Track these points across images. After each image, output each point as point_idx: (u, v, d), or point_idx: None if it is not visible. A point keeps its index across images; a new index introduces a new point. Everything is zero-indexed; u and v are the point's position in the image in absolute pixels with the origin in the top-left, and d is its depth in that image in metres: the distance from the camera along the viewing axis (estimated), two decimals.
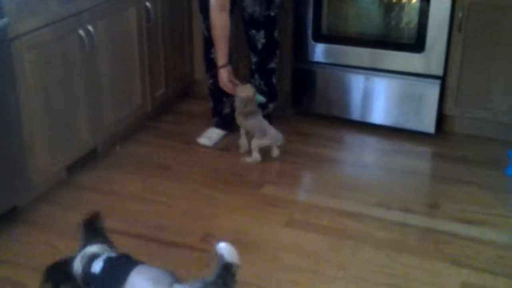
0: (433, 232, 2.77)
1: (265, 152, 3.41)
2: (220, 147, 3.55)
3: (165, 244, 2.68)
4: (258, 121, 3.37)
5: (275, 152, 3.41)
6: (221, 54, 3.33)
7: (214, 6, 3.24)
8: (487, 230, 2.77)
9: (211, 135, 3.61)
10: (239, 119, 3.40)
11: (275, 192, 3.09)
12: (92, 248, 2.11)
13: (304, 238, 2.73)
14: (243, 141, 3.45)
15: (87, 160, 3.29)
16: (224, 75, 3.34)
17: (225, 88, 3.39)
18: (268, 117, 3.61)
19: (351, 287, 2.42)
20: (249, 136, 3.42)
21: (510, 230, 2.77)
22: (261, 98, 3.41)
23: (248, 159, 3.36)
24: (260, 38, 3.45)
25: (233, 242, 2.67)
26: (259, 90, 3.50)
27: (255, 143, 3.35)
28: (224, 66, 3.33)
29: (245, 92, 3.34)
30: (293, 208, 2.96)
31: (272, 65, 3.55)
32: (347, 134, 3.72)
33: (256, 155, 3.34)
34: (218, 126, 3.65)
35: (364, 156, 3.50)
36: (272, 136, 3.34)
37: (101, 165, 3.34)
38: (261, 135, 3.34)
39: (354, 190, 3.10)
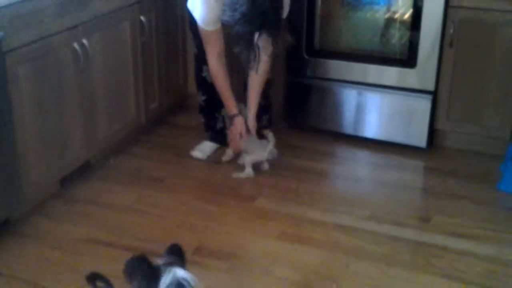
0: (424, 246, 2.78)
1: (258, 165, 3.43)
2: (213, 160, 3.56)
3: (158, 256, 2.67)
4: (249, 139, 3.39)
5: (265, 166, 3.43)
6: (231, 103, 3.32)
7: (210, 55, 3.24)
8: (478, 244, 2.78)
9: (204, 148, 3.62)
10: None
11: (267, 205, 3.10)
12: None
13: (297, 251, 2.74)
14: (229, 151, 3.50)
15: (81, 172, 3.30)
16: (239, 126, 3.34)
17: (233, 139, 3.39)
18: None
19: None
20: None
21: (501, 245, 2.78)
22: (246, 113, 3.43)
23: (241, 174, 3.37)
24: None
25: (226, 255, 2.70)
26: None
27: (248, 158, 3.36)
28: (236, 115, 3.34)
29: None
30: (286, 221, 2.97)
31: (269, 76, 3.55)
32: (340, 148, 3.74)
33: (249, 171, 3.36)
34: (211, 139, 3.66)
35: (356, 170, 3.52)
36: (262, 151, 3.36)
37: (94, 178, 3.35)
38: (253, 151, 3.36)
39: (346, 204, 3.12)
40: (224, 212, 3.05)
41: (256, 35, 2.99)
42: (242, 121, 3.35)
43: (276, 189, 3.27)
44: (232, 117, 3.36)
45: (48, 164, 2.98)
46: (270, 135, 3.37)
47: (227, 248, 2.74)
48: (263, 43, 3.10)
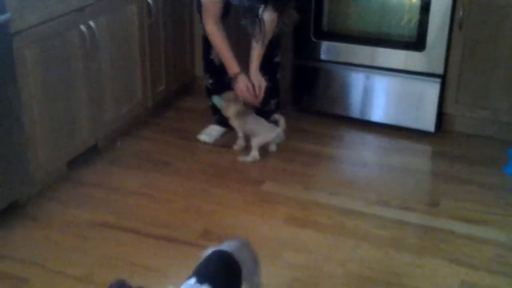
0: (432, 230, 2.77)
1: (264, 149, 3.42)
2: (220, 144, 3.55)
3: (165, 240, 2.69)
4: (254, 121, 3.39)
5: (272, 147, 3.42)
6: (230, 63, 3.29)
7: (207, 20, 3.24)
8: (486, 228, 2.77)
9: (211, 132, 3.62)
10: (234, 124, 3.44)
11: (274, 189, 3.10)
12: None
13: (304, 235, 2.74)
14: (240, 141, 3.49)
15: (88, 155, 3.30)
16: (242, 83, 3.29)
17: (244, 96, 3.35)
18: (271, 114, 3.61)
19: (350, 284, 2.43)
20: (247, 136, 3.46)
21: (509, 229, 2.77)
22: (219, 101, 3.42)
23: (247, 158, 3.37)
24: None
25: (233, 238, 2.69)
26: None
27: (255, 142, 3.36)
28: (239, 73, 3.30)
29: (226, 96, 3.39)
30: (293, 205, 2.97)
31: (278, 59, 3.53)
32: (347, 132, 3.73)
33: (255, 154, 3.35)
34: (218, 123, 3.65)
35: (363, 154, 3.51)
36: (269, 132, 3.36)
37: (101, 161, 3.35)
38: (261, 131, 3.35)
39: (353, 188, 3.11)
40: (231, 196, 3.04)
41: (262, 9, 3.01)
42: (245, 78, 3.31)
43: (283, 173, 3.26)
44: (235, 77, 3.32)
45: (55, 146, 2.98)
46: (282, 121, 3.36)
47: (234, 232, 2.74)
48: (268, 17, 3.12)
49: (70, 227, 2.79)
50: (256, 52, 3.32)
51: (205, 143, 3.56)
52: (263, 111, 3.56)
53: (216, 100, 3.44)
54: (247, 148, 3.44)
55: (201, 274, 1.84)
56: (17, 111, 2.68)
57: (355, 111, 3.77)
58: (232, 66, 3.31)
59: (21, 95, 2.69)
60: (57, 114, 2.95)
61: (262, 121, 3.40)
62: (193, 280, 1.82)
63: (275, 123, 3.39)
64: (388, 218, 2.85)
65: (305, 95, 3.88)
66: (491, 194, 3.06)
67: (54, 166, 3.04)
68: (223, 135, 3.63)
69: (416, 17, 3.48)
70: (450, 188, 3.11)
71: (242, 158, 3.38)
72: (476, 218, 2.85)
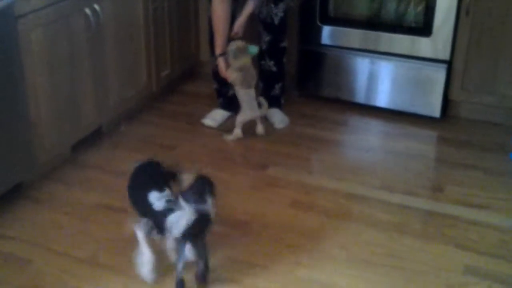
0: (437, 215, 2.77)
1: (269, 134, 3.42)
2: (225, 128, 3.55)
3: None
4: (245, 94, 3.37)
5: (259, 129, 3.43)
6: (219, 43, 3.33)
7: None
8: (491, 214, 2.77)
9: (216, 116, 3.62)
10: (233, 76, 3.35)
11: (279, 174, 3.10)
12: None
13: (308, 219, 2.74)
14: (238, 130, 3.45)
15: (92, 139, 3.30)
16: (222, 65, 3.36)
17: (223, 75, 3.41)
18: (276, 100, 3.61)
19: (353, 268, 2.43)
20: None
21: None
22: (254, 49, 3.39)
23: (230, 136, 3.40)
24: (278, 12, 3.43)
25: (238, 222, 2.70)
26: (268, 72, 3.52)
27: (238, 119, 3.39)
28: (222, 55, 3.35)
29: (235, 44, 3.33)
30: (298, 189, 2.96)
31: (284, 44, 3.54)
32: (352, 117, 3.72)
33: (237, 132, 3.39)
34: (223, 107, 3.65)
35: (368, 139, 3.50)
36: (250, 111, 3.37)
37: (105, 145, 3.35)
38: (246, 108, 3.37)
39: (358, 173, 3.11)
40: (236, 180, 3.04)
41: None
42: (221, 62, 3.36)
43: (288, 157, 3.26)
44: (217, 56, 3.37)
45: (60, 130, 2.98)
46: (264, 106, 3.40)
47: (240, 216, 2.74)
48: None
49: (74, 209, 2.80)
50: (248, 9, 3.37)
51: (209, 127, 3.56)
52: (269, 96, 3.56)
53: (250, 48, 3.40)
54: (248, 128, 3.45)
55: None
56: (22, 94, 2.68)
57: (360, 97, 3.76)
58: (219, 47, 3.35)
59: (26, 78, 2.68)
60: (61, 97, 2.95)
61: (251, 98, 3.38)
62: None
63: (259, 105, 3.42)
64: (392, 203, 2.85)
65: (311, 80, 3.87)
66: (495, 180, 3.05)
67: (59, 149, 3.05)
68: (227, 119, 3.63)
69: (423, 2, 3.46)
70: (455, 173, 3.11)
71: (225, 137, 3.41)
72: (480, 204, 2.84)
